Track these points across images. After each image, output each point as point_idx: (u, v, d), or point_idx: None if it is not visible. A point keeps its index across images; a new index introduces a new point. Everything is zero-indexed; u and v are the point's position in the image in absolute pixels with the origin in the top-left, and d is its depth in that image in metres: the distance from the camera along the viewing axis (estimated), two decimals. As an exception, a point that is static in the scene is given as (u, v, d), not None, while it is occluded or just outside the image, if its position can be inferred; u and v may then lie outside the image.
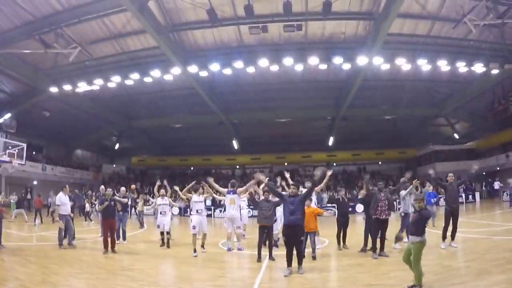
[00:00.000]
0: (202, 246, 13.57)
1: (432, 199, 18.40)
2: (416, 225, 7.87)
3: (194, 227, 13.28)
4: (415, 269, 7.61)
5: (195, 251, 13.06)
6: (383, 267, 9.41)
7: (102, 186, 19.13)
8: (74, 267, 10.26)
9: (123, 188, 16.76)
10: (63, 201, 14.15)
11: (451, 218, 12.09)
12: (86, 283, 8.58)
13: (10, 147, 25.84)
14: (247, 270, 10.62)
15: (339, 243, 13.53)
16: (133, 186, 17.14)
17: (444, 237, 12.07)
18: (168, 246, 14.70)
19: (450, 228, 12.13)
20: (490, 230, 15.04)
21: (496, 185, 35.07)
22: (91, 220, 26.03)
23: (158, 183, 16.84)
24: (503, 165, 37.97)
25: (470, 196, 36.50)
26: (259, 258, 11.40)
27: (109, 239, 13.19)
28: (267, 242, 11.84)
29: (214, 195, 14.85)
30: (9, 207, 23.75)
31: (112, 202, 13.87)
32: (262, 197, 12.59)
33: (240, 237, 14.30)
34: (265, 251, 11.54)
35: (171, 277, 10.12)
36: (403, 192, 13.29)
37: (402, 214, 13.27)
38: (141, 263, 11.38)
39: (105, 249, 12.98)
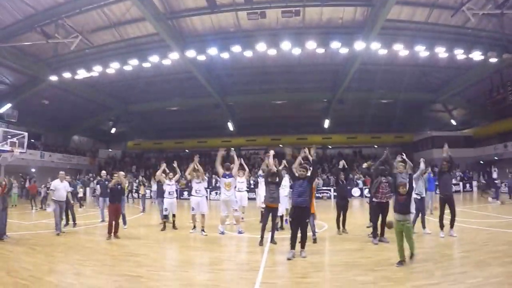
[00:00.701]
0: (202, 230, 13.90)
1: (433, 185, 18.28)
2: (407, 206, 9.12)
3: (193, 209, 14.11)
4: (411, 242, 8.81)
5: (194, 227, 14.30)
6: (384, 253, 9.60)
7: (104, 172, 19.22)
8: (80, 254, 10.37)
9: (121, 173, 16.89)
10: (57, 186, 14.08)
11: (447, 206, 12.15)
12: (93, 270, 8.63)
13: (9, 136, 25.92)
14: (251, 253, 10.72)
15: (338, 227, 13.57)
16: (121, 173, 17.16)
17: (441, 226, 12.11)
18: (175, 228, 15.36)
19: (448, 216, 12.21)
20: (488, 222, 15.09)
21: (494, 174, 35.42)
22: (82, 206, 25.87)
23: (163, 166, 16.93)
24: (501, 154, 38.02)
25: (468, 185, 36.94)
26: (261, 242, 11.48)
27: (113, 224, 13.40)
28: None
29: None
30: (10, 196, 23.60)
31: (119, 186, 14.15)
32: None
33: (239, 220, 14.47)
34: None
35: (177, 261, 10.26)
36: (415, 175, 13.32)
37: (419, 197, 13.11)
38: (146, 248, 11.57)
39: (109, 235, 13.14)
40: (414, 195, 12.40)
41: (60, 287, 7.27)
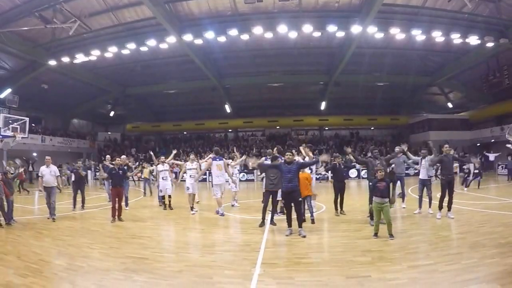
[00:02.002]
0: (192, 207, 15.28)
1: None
2: (386, 191, 9.92)
3: (188, 188, 15.30)
4: (390, 221, 9.77)
5: (192, 209, 15.21)
6: (381, 234, 9.79)
7: (108, 156, 19.48)
8: (86, 237, 10.60)
9: (123, 157, 17.22)
10: (43, 172, 13.97)
11: (448, 189, 12.43)
12: (100, 253, 8.90)
13: (10, 121, 26.05)
14: (251, 235, 10.90)
15: (336, 208, 13.86)
16: (123, 157, 17.54)
17: (440, 207, 12.44)
18: (170, 208, 16.44)
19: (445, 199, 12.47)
20: (485, 204, 15.31)
21: (492, 156, 35.43)
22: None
23: (174, 151, 18.38)
24: (497, 137, 37.93)
25: (464, 167, 36.28)
26: (263, 223, 11.83)
27: (117, 207, 13.73)
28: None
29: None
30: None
31: (120, 171, 14.35)
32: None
33: (221, 203, 14.79)
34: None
35: (180, 243, 10.49)
36: (426, 162, 13.55)
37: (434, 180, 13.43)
38: (149, 230, 11.90)
39: (113, 218, 13.49)
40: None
41: (70, 270, 7.46)
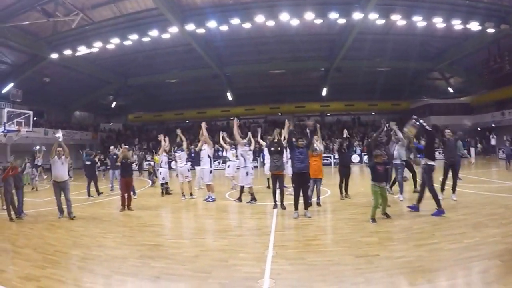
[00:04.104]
0: (183, 195, 15.93)
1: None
2: (385, 175, 10.48)
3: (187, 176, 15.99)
4: (386, 202, 10.20)
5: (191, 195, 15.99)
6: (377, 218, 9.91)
7: (112, 147, 19.71)
8: (99, 227, 10.77)
9: (125, 147, 17.49)
10: (55, 164, 12.68)
11: (450, 171, 12.65)
12: (115, 242, 9.05)
13: (12, 115, 26.10)
14: (260, 219, 11.12)
15: (341, 192, 14.06)
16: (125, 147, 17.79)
17: (442, 189, 12.62)
18: (168, 193, 17.59)
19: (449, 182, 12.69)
20: (486, 187, 15.53)
21: (493, 141, 35.19)
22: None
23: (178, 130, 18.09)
24: (498, 122, 38.32)
25: (466, 151, 36.15)
26: (275, 205, 12.28)
27: (126, 196, 13.88)
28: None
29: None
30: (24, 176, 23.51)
31: (128, 160, 14.60)
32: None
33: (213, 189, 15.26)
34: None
35: (192, 229, 10.71)
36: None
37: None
38: (160, 218, 12.25)
39: (123, 207, 13.68)
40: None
41: (87, 259, 7.61)
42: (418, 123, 11.05)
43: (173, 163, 19.05)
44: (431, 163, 10.81)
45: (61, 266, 7.25)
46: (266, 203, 13.22)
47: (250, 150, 15.45)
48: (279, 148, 12.04)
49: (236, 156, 16.15)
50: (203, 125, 14.87)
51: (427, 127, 10.99)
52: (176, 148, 16.51)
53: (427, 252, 7.01)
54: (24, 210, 13.15)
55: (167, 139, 18.11)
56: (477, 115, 42.14)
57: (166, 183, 17.77)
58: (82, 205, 15.21)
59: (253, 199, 13.83)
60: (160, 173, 17.72)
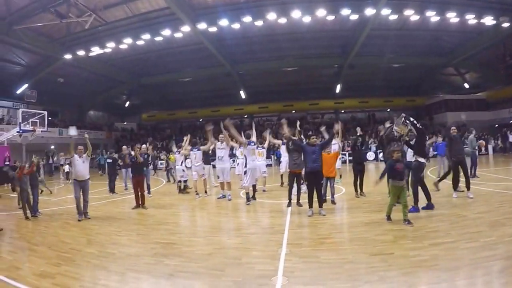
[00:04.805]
0: (196, 193, 16.00)
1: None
2: (403, 173, 9.76)
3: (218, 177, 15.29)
4: (406, 203, 9.38)
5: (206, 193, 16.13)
6: (401, 214, 9.54)
7: (124, 147, 19.82)
8: (113, 225, 10.85)
9: (143, 146, 17.68)
10: (75, 162, 12.34)
11: (460, 168, 12.46)
12: (129, 240, 9.11)
13: (27, 116, 26.35)
14: (274, 217, 11.07)
15: (356, 190, 13.96)
16: (143, 146, 18.09)
17: (454, 187, 12.49)
18: (186, 191, 17.67)
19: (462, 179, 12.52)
20: (504, 185, 15.09)
21: (511, 137, 34.79)
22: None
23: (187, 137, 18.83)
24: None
25: (483, 149, 34.99)
26: (290, 203, 12.12)
27: (139, 195, 13.97)
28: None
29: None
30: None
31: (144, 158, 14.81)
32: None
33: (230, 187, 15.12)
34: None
35: (206, 227, 10.67)
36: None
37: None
38: (173, 217, 12.17)
39: (136, 205, 13.80)
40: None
41: (101, 257, 7.65)
42: (408, 121, 10.94)
43: (188, 161, 19.09)
44: (422, 160, 10.82)
45: (76, 263, 7.30)
46: (280, 201, 13.17)
47: (258, 148, 15.35)
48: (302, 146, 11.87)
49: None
50: (228, 123, 14.46)
51: (418, 125, 10.85)
52: (192, 147, 16.55)
53: (443, 251, 6.91)
54: (39, 209, 13.23)
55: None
56: (494, 111, 41.70)
57: (186, 181, 17.93)
58: (96, 204, 15.24)
59: (249, 199, 13.67)
60: (176, 172, 18.20)
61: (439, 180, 13.98)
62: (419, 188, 10.83)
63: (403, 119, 11.12)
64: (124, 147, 19.05)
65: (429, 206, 10.65)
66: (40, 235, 9.92)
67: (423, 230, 8.50)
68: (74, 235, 9.78)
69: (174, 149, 18.96)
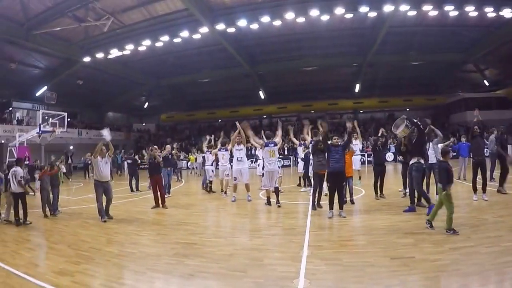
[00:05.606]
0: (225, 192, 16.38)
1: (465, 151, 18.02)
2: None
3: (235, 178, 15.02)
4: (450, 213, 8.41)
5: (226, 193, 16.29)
6: (422, 217, 9.67)
7: (168, 146, 19.98)
8: (133, 225, 10.90)
9: (168, 146, 17.81)
10: (98, 163, 12.06)
11: (479, 170, 12.25)
12: (149, 239, 9.15)
13: (46, 117, 26.67)
14: (295, 219, 11.07)
15: (376, 192, 13.80)
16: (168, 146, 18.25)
17: (474, 189, 12.19)
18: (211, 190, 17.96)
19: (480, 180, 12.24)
20: None
21: None
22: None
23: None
24: (540, 116, 35.98)
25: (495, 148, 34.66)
26: (314, 205, 11.94)
27: (158, 195, 13.99)
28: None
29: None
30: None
31: (155, 160, 14.61)
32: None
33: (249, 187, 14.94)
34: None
35: (226, 228, 10.66)
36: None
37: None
38: (194, 217, 12.10)
39: (156, 205, 13.82)
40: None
41: (121, 256, 7.68)
42: (409, 123, 10.78)
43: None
44: (422, 161, 10.69)
45: (95, 262, 7.33)
46: (300, 202, 13.09)
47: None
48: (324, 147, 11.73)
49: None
50: (244, 124, 14.29)
51: (421, 126, 10.72)
52: (220, 147, 16.57)
53: (464, 255, 6.79)
54: (59, 208, 13.43)
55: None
56: (514, 110, 40.33)
57: (211, 181, 18.14)
58: (116, 203, 15.20)
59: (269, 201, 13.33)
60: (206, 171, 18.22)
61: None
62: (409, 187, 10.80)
63: (405, 121, 11.00)
64: (168, 146, 18.97)
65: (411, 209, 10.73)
66: (59, 234, 10.03)
67: (443, 233, 8.32)
68: (93, 234, 9.87)
69: (205, 149, 18.89)
